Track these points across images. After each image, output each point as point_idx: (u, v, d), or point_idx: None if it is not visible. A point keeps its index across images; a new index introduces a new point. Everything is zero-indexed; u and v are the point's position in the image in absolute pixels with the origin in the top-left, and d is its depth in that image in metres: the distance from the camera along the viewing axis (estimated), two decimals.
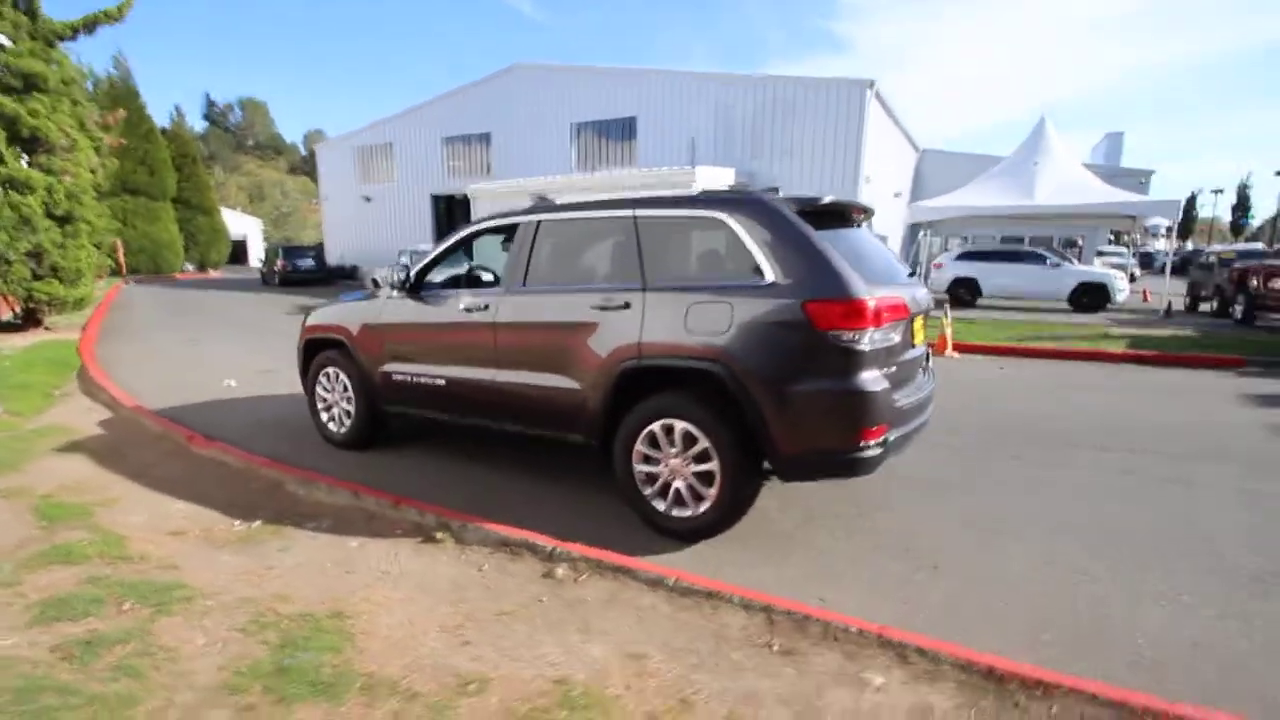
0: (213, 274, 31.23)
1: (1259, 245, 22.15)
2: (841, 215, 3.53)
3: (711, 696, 2.10)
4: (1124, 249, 30.05)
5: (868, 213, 3.81)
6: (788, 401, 3.00)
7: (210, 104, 78.84)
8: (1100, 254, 24.84)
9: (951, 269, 16.48)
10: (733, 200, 3.32)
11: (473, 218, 18.42)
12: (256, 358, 8.84)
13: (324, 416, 5.06)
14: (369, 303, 4.67)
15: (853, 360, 2.96)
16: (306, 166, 77.78)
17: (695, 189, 15.05)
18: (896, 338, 3.21)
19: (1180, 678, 2.27)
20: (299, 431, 5.32)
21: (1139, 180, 24.12)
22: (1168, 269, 15.43)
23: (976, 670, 2.17)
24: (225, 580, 2.89)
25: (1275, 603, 2.75)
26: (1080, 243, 23.98)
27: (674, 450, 3.32)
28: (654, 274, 3.42)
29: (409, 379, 4.37)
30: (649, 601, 2.68)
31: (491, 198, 17.93)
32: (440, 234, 24.45)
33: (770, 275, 3.09)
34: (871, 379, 2.99)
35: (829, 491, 3.94)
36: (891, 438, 3.10)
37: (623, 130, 19.83)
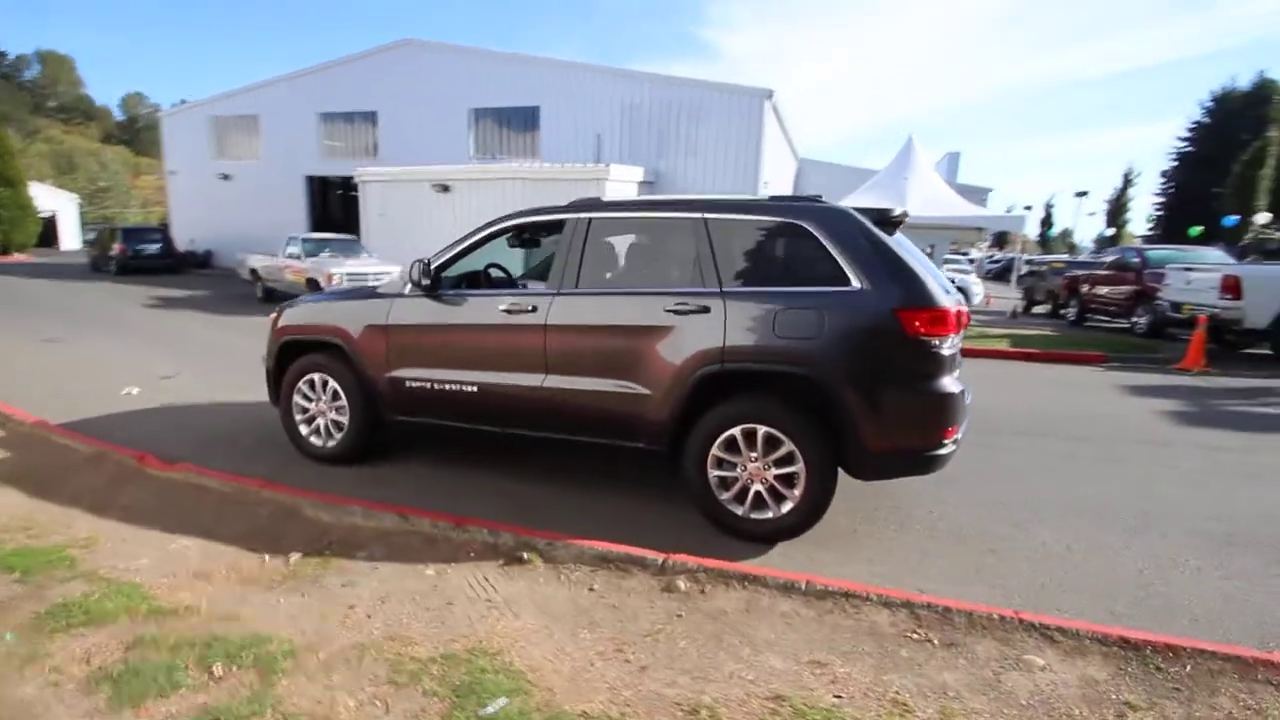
0: (18, 258, 26.08)
1: (1082, 256, 25.95)
2: (895, 224, 3.74)
3: (914, 695, 2.18)
4: (959, 257, 34.15)
5: (904, 221, 4.07)
6: (880, 403, 3.15)
7: None
8: (946, 261, 28.07)
9: None
10: (815, 209, 3.40)
11: (361, 205, 17.06)
12: (143, 361, 7.63)
13: (304, 429, 4.50)
14: (372, 302, 4.21)
15: (937, 364, 3.17)
16: (125, 134, 67.55)
17: (609, 185, 15.02)
18: (959, 342, 3.48)
19: (1234, 628, 2.70)
20: (260, 446, 4.73)
21: (981, 196, 27.47)
22: (1014, 275, 17.77)
23: (1113, 642, 2.43)
24: (311, 625, 2.50)
25: (1256, 558, 3.33)
26: (931, 251, 26.93)
27: (754, 454, 3.36)
28: (730, 278, 3.42)
29: (429, 386, 4.01)
30: (788, 607, 2.70)
31: (384, 184, 16.72)
32: (317, 219, 22.35)
33: (856, 282, 3.21)
34: (952, 381, 3.22)
35: (857, 489, 4.15)
36: (960, 436, 3.36)
37: (525, 120, 19.28)
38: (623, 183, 15.82)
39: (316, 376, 4.38)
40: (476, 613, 2.64)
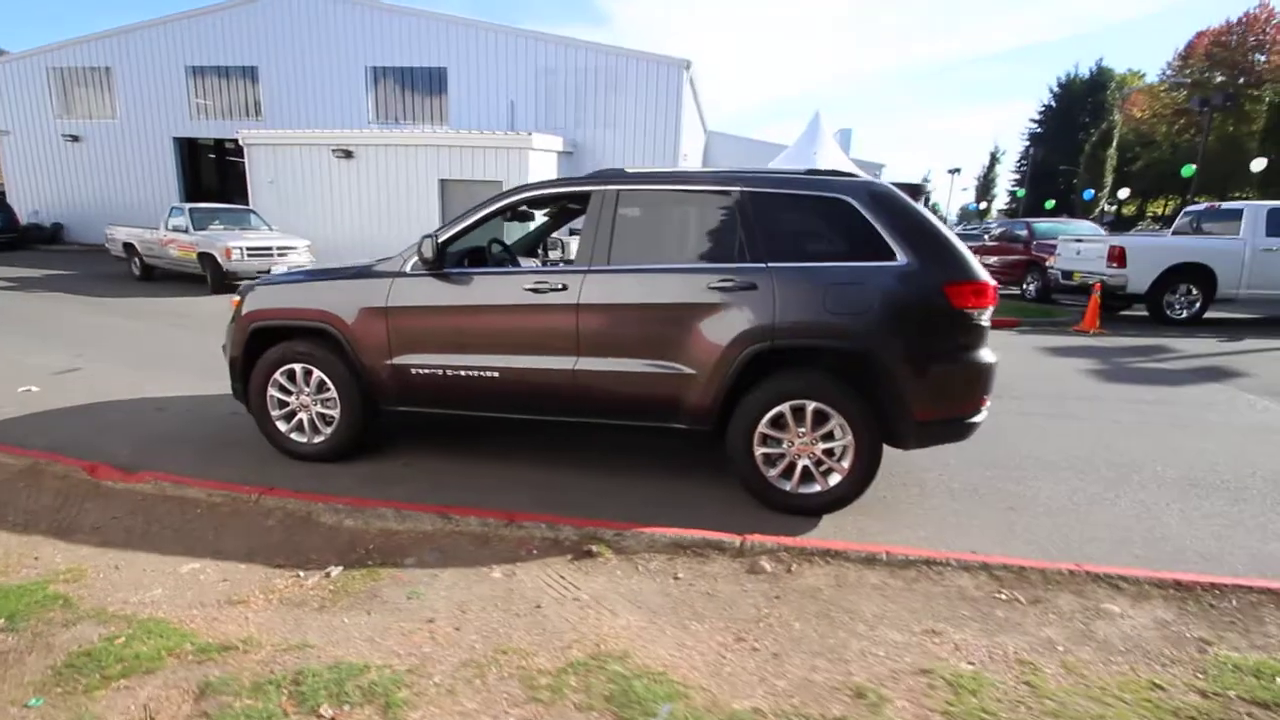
0: None
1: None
2: (915, 199, 3.83)
3: (1032, 653, 2.29)
4: None
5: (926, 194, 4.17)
6: (928, 374, 3.25)
7: None
8: None
9: None
10: (857, 184, 3.41)
11: (249, 170, 15.42)
12: (25, 353, 6.54)
13: (283, 425, 4.02)
14: (367, 283, 3.79)
15: (978, 335, 3.31)
16: None
17: (531, 155, 14.46)
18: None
19: (1235, 562, 3.06)
20: (217, 445, 4.25)
21: (875, 171, 29.09)
22: None
23: (1168, 585, 2.68)
24: (399, 646, 2.24)
25: (1220, 500, 3.78)
26: None
27: (802, 430, 3.37)
28: (773, 253, 3.37)
29: (440, 373, 3.69)
30: (876, 579, 2.75)
31: (275, 148, 15.18)
32: (191, 186, 19.93)
33: (902, 257, 3.27)
34: (989, 351, 3.37)
35: None
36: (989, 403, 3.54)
37: (431, 82, 18.08)
38: (544, 152, 15.31)
39: (298, 367, 3.91)
40: (571, 614, 2.48)
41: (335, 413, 3.93)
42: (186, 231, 11.54)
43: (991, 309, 3.35)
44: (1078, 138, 44.29)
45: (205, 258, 11.10)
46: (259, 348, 3.99)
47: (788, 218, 3.44)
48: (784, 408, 3.35)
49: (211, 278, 11.13)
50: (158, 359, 6.75)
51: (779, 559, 2.86)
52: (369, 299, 3.76)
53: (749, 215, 3.42)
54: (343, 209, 15.09)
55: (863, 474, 3.36)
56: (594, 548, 2.92)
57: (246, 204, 14.55)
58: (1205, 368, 7.35)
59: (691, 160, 19.30)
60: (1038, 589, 2.69)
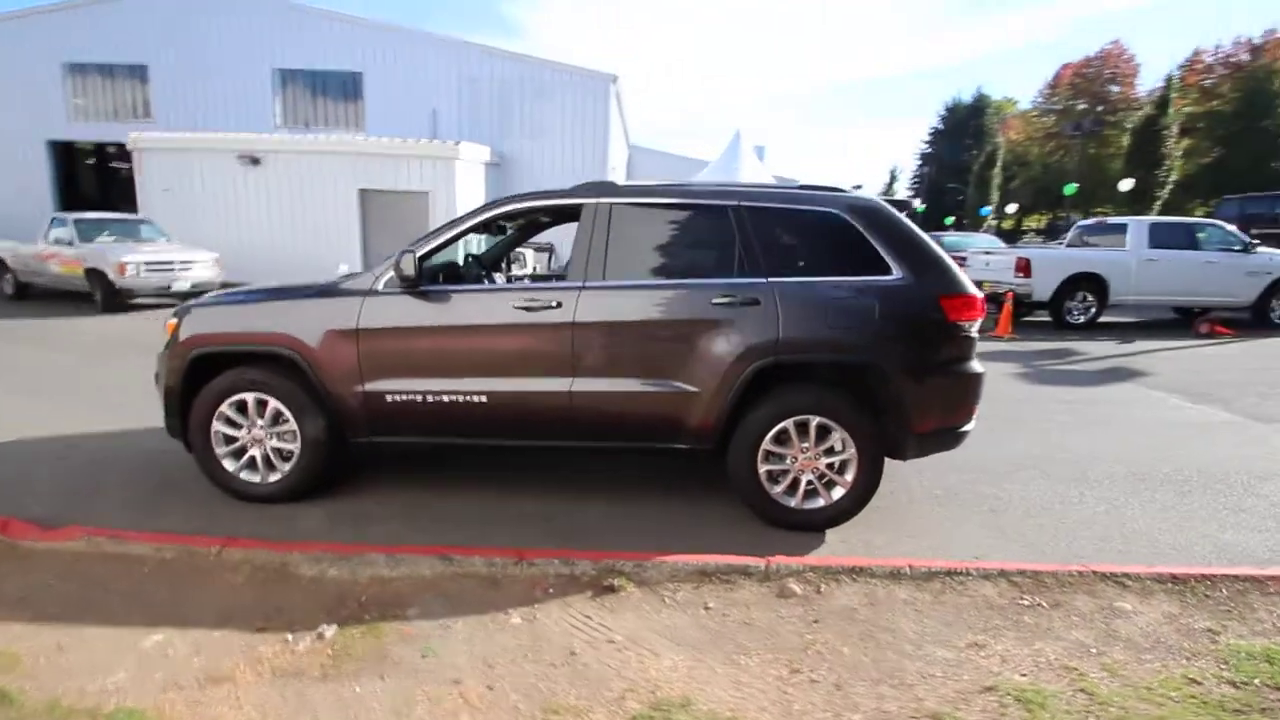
0: None
1: None
2: (901, 210, 3.91)
3: (1073, 657, 2.33)
4: None
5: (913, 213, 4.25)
6: (927, 386, 3.31)
7: None
8: None
9: None
10: (850, 199, 3.44)
11: (138, 175, 14.06)
12: None
13: (230, 464, 3.58)
14: (333, 302, 3.45)
15: (970, 346, 3.41)
16: None
17: (459, 165, 13.98)
18: None
19: (1201, 551, 3.28)
20: (147, 491, 3.78)
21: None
22: None
23: (1165, 579, 2.82)
24: (429, 715, 1.99)
25: (1170, 492, 4.07)
26: None
27: (805, 445, 3.35)
28: (773, 268, 3.34)
29: (420, 399, 3.40)
30: (904, 594, 2.73)
31: (171, 153, 13.94)
32: (67, 195, 17.90)
33: (898, 272, 3.32)
34: (978, 362, 3.48)
35: None
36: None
37: (345, 88, 17.18)
38: (472, 163, 14.88)
39: (250, 396, 3.50)
40: (611, 659, 2.30)
41: (294, 446, 3.53)
42: (71, 244, 10.28)
43: (980, 321, 3.46)
44: (963, 157, 48.15)
45: (94, 274, 9.93)
46: (201, 377, 3.54)
47: (785, 232, 3.43)
48: (788, 423, 3.31)
49: (102, 296, 9.97)
50: (51, 390, 5.92)
51: (806, 580, 2.79)
52: (336, 320, 3.42)
53: (747, 229, 3.38)
54: (250, 220, 13.98)
55: (866, 487, 3.37)
56: (615, 582, 2.75)
57: (134, 213, 13.19)
58: (1113, 368, 8.02)
59: (618, 174, 19.33)
60: (1054, 592, 2.76)
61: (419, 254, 3.36)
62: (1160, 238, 10.84)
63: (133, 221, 11.78)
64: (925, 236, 3.43)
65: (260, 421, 3.54)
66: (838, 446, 3.32)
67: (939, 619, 2.57)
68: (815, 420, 3.30)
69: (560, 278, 5.27)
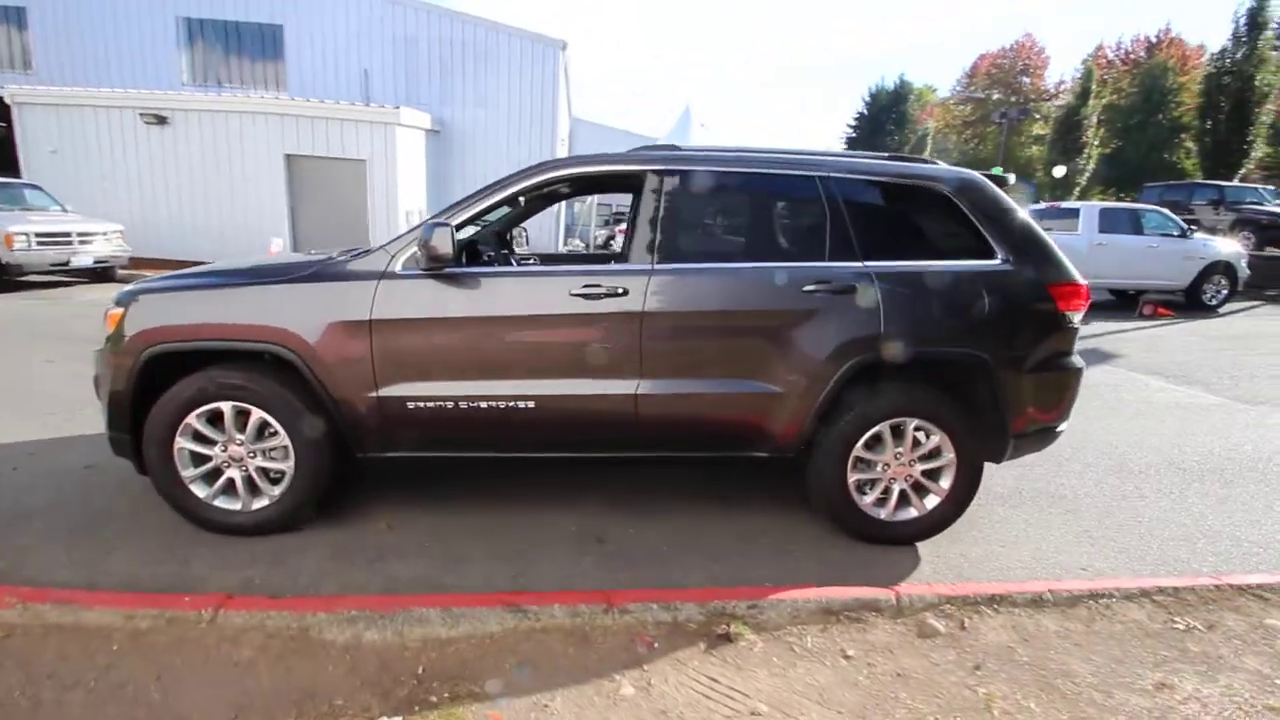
0: None
1: None
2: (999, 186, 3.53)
3: (1264, 692, 2.06)
4: None
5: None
6: (1032, 383, 2.99)
7: None
8: None
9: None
10: (952, 173, 3.05)
11: (19, 135, 12.12)
12: None
13: (201, 489, 2.85)
14: (338, 286, 2.77)
15: (1073, 339, 3.11)
16: None
17: (399, 131, 12.80)
18: None
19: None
20: (87, 520, 3.01)
21: None
22: None
23: None
24: None
25: (1216, 485, 3.98)
26: None
27: (900, 450, 2.97)
28: (868, 250, 2.92)
29: (451, 406, 2.78)
30: (1054, 625, 2.41)
31: (56, 109, 12.10)
32: None
33: (1001, 255, 2.97)
34: (1079, 356, 3.19)
35: None
36: None
37: (263, 43, 15.41)
38: (413, 129, 13.73)
39: (226, 406, 2.76)
40: None
41: (285, 466, 2.84)
42: None
43: (1084, 312, 3.17)
44: (886, 143, 49.62)
45: None
46: (158, 381, 2.77)
47: (880, 209, 3.00)
48: (883, 427, 2.92)
49: None
50: None
51: (944, 614, 2.42)
52: (343, 309, 2.74)
53: (838, 205, 2.93)
54: (158, 187, 12.33)
55: (964, 494, 3.03)
56: (729, 628, 2.27)
57: (16, 177, 11.35)
58: (1086, 350, 8.18)
59: (565, 148, 18.47)
60: (1200, 611, 2.52)
61: (454, 224, 2.71)
62: (1109, 223, 11.23)
63: (16, 186, 10.07)
64: (1030, 218, 3.09)
65: (240, 436, 2.82)
66: (935, 451, 2.97)
67: (1105, 655, 2.26)
68: (913, 423, 2.92)
69: (570, 260, 4.70)
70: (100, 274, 9.99)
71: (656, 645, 2.21)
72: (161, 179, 12.43)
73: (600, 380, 2.82)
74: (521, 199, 3.04)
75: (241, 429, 2.81)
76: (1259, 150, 21.74)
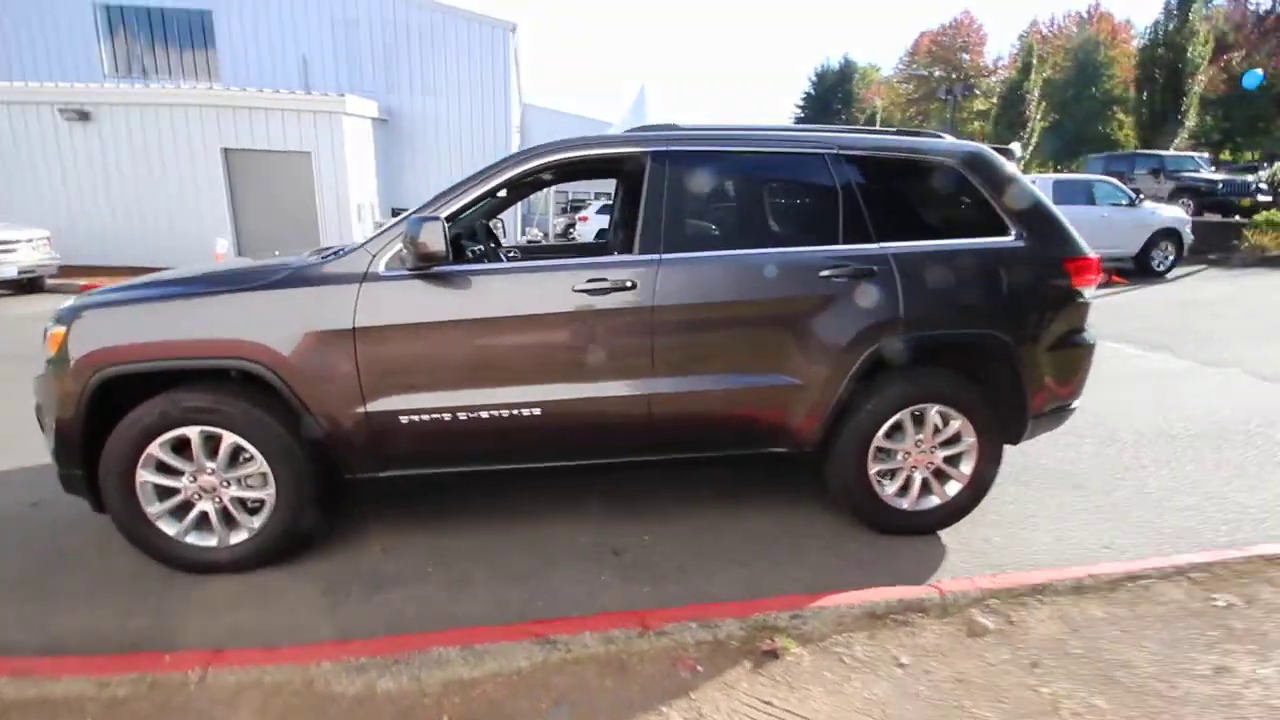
0: None
1: None
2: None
3: None
4: None
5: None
6: (1048, 361, 2.92)
7: None
8: None
9: (595, 221, 17.80)
10: (958, 146, 2.93)
11: None
12: None
13: (170, 525, 2.56)
14: (313, 291, 2.49)
15: (1087, 314, 3.05)
16: None
17: (345, 121, 12.18)
18: None
19: None
20: (34, 566, 2.66)
21: None
22: None
23: None
24: None
25: (1231, 453, 4.01)
26: None
27: (920, 438, 2.87)
28: (882, 230, 2.78)
29: (448, 418, 2.55)
30: (1101, 611, 2.33)
31: None
32: None
33: (1014, 231, 2.88)
34: (1091, 332, 3.13)
35: None
36: None
37: (191, 30, 14.44)
38: (360, 119, 13.11)
39: (194, 432, 2.47)
40: None
41: (265, 494, 2.56)
42: None
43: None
44: (833, 122, 50.19)
45: None
46: (111, 407, 2.45)
47: (893, 187, 2.87)
48: (903, 415, 2.81)
49: None
50: None
51: (990, 609, 2.32)
52: (321, 318, 2.46)
53: (850, 184, 2.78)
54: (84, 188, 11.45)
55: (985, 479, 2.95)
56: (775, 642, 2.12)
57: None
58: None
59: (517, 137, 17.96)
60: (1235, 586, 2.48)
61: (444, 216, 2.46)
62: (1063, 194, 11.46)
63: None
64: (1040, 192, 3.00)
65: (211, 464, 2.52)
66: (956, 436, 2.88)
67: (1157, 640, 2.19)
68: (935, 409, 2.82)
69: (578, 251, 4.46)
70: (28, 285, 9.23)
71: (700, 668, 2.05)
72: (89, 180, 11.54)
73: (609, 381, 2.62)
74: (514, 186, 2.79)
75: (212, 456, 2.52)
76: (1191, 120, 22.67)
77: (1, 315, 8.10)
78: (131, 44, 14.40)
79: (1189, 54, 21.75)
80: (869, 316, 2.68)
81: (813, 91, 56.69)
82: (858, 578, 2.55)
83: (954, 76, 49.94)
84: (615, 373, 2.61)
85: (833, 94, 54.00)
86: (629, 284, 2.56)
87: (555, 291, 2.56)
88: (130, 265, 10.94)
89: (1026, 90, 29.22)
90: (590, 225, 17.91)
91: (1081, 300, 2.95)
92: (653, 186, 2.67)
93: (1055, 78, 41.12)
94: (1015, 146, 3.17)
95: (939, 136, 3.03)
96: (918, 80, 53.20)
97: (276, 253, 3.37)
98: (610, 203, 20.77)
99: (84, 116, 11.09)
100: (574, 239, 18.65)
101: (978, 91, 44.58)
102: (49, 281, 9.48)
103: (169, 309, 2.51)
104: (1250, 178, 16.98)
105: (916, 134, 3.02)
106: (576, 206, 25.11)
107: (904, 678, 2.03)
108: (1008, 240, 2.86)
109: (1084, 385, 3.11)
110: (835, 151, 2.80)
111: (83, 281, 9.37)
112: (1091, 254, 2.96)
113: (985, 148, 2.98)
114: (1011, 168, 2.95)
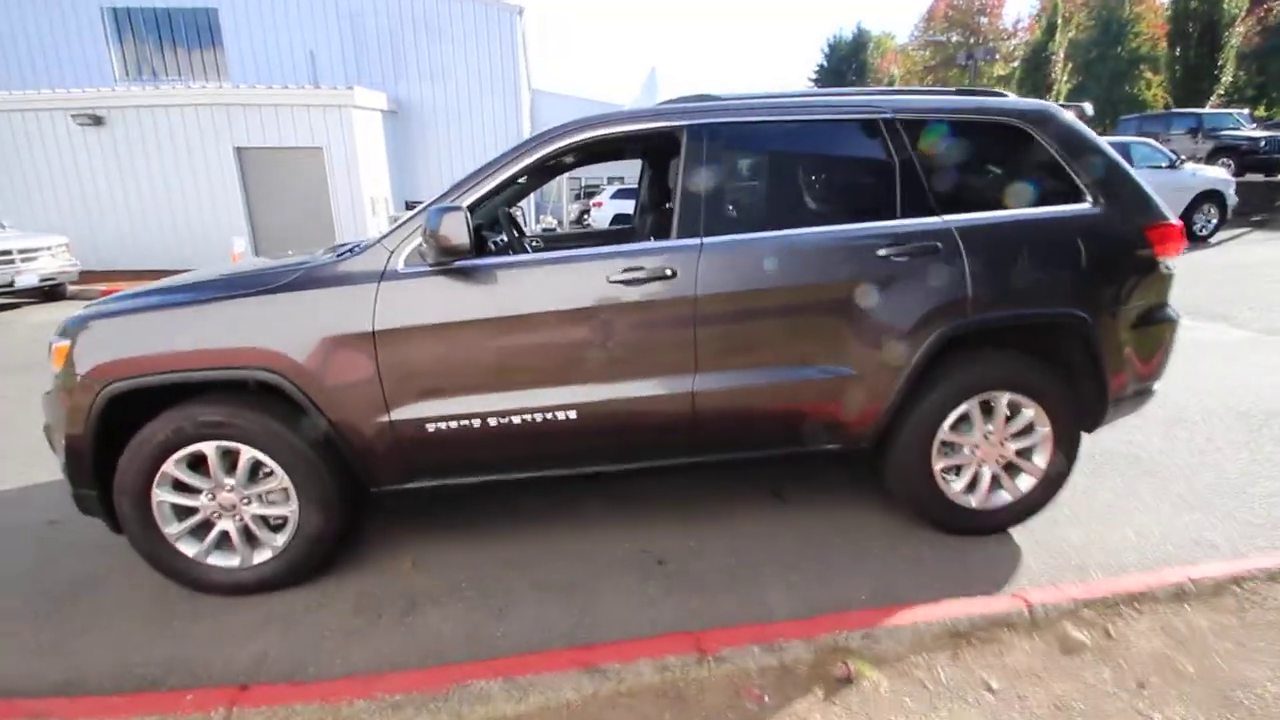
0: None
1: None
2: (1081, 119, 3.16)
3: None
4: None
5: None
6: (1130, 339, 2.65)
7: None
8: None
9: (610, 206, 17.53)
10: (1029, 107, 2.65)
11: None
12: None
13: (190, 546, 2.41)
14: (329, 293, 2.31)
15: (1170, 287, 2.77)
16: None
17: (355, 114, 12.01)
18: None
19: None
20: (51, 590, 2.47)
21: None
22: None
23: None
24: None
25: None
26: None
27: (990, 429, 2.63)
28: (945, 202, 2.53)
29: (478, 424, 2.36)
30: (1204, 621, 2.10)
31: None
32: None
33: (1090, 198, 2.61)
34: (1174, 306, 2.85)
35: None
36: None
37: (198, 29, 14.32)
38: (370, 111, 12.93)
39: (210, 448, 2.31)
40: None
41: (287, 510, 2.40)
42: None
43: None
44: None
45: None
46: (123, 423, 2.30)
47: (954, 153, 2.59)
48: (971, 404, 2.57)
49: None
50: None
51: (1084, 621, 2.10)
52: (338, 321, 2.28)
53: (908, 151, 2.52)
54: (100, 192, 11.42)
55: (1061, 471, 2.71)
56: (849, 667, 1.92)
57: None
58: None
59: (527, 121, 17.67)
60: None
61: (465, 205, 2.25)
62: None
63: None
64: (1115, 153, 2.72)
65: (230, 481, 2.37)
66: (1029, 426, 2.63)
67: (1272, 653, 1.96)
68: (1005, 397, 2.57)
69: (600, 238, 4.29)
70: (49, 293, 9.24)
71: (767, 699, 1.85)
72: (105, 184, 11.52)
73: (650, 379, 2.41)
74: (537, 170, 2.57)
75: (230, 472, 2.36)
76: (1228, 75, 21.66)
77: (24, 323, 8.10)
78: (140, 46, 14.31)
79: (1225, 5, 20.72)
80: (933, 298, 2.44)
81: (825, 64, 55.38)
82: (927, 584, 2.34)
83: (973, 41, 48.47)
84: (656, 369, 2.40)
85: (847, 65, 52.62)
86: (668, 272, 2.34)
87: (588, 283, 2.34)
88: (150, 269, 10.94)
89: (1051, 51, 28.16)
90: (605, 210, 17.65)
91: (1165, 271, 2.68)
92: (690, 164, 2.44)
93: (1079, 38, 39.67)
94: (1087, 105, 2.88)
95: (1001, 94, 2.75)
96: (934, 47, 51.69)
97: (290, 251, 3.21)
98: (625, 186, 20.51)
99: (97, 121, 11.04)
100: (589, 226, 18.37)
101: (998, 55, 43.18)
102: (70, 288, 9.48)
103: (174, 317, 2.33)
104: None
105: (976, 92, 2.74)
106: (590, 192, 24.79)
107: (996, 705, 1.82)
108: (1084, 208, 2.58)
109: (1166, 365, 2.84)
110: (891, 116, 2.54)
111: (103, 286, 9.35)
112: (1175, 220, 2.68)
113: (1055, 105, 2.69)
114: (1085, 128, 2.67)
